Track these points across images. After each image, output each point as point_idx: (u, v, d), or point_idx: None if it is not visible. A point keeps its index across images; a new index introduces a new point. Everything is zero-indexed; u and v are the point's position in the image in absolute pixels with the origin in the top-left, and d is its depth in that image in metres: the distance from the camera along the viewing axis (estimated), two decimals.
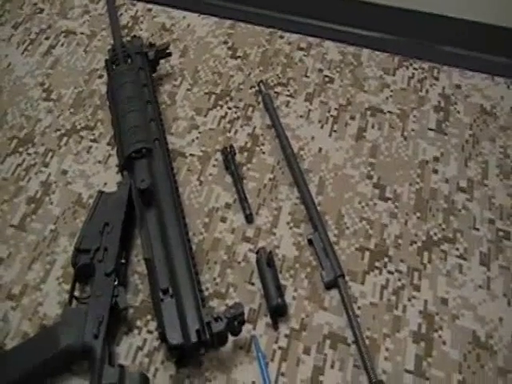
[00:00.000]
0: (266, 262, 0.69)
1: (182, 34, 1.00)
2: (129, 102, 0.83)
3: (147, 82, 0.87)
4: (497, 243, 0.73)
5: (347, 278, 0.70)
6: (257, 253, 0.71)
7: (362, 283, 0.70)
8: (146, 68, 0.89)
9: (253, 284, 0.70)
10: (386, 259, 0.72)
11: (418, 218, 0.76)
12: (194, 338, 0.61)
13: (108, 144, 0.86)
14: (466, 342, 0.66)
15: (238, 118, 0.88)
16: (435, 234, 0.74)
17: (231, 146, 0.82)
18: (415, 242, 0.73)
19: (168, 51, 0.95)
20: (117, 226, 0.71)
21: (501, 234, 0.74)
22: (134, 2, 1.07)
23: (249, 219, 0.76)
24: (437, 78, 0.90)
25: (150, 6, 1.06)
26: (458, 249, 0.73)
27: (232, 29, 1.00)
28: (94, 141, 0.87)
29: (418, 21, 1.00)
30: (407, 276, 0.71)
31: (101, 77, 0.95)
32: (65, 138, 0.87)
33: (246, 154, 0.83)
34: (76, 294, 0.69)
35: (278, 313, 0.68)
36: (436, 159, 0.81)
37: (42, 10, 1.07)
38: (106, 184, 0.81)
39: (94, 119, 0.89)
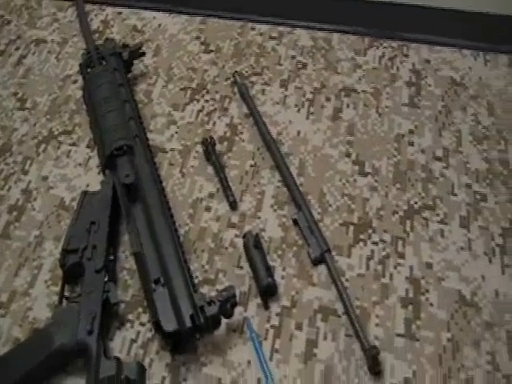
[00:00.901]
0: (254, 245, 0.72)
1: (154, 33, 1.04)
2: (106, 102, 0.86)
3: (123, 82, 0.90)
4: (475, 206, 0.78)
5: (333, 252, 0.74)
6: (244, 237, 0.75)
7: (349, 256, 0.74)
8: (120, 68, 0.93)
9: (241, 268, 0.74)
10: (370, 231, 0.76)
11: (398, 189, 0.80)
12: (188, 323, 0.64)
13: (87, 146, 0.89)
14: (453, 302, 0.70)
15: (216, 109, 0.92)
16: (415, 202, 0.78)
17: (211, 137, 0.86)
18: (397, 212, 0.78)
19: (141, 51, 0.99)
20: (103, 224, 0.75)
21: (478, 196, 0.79)
22: (103, 7, 1.11)
23: (233, 206, 0.80)
24: (406, 55, 0.95)
25: (119, 9, 1.10)
26: (438, 214, 0.77)
27: (203, 24, 1.05)
28: (72, 144, 0.90)
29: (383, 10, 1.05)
30: (391, 245, 0.75)
31: (75, 82, 0.98)
32: (43, 145, 0.90)
33: (225, 143, 0.87)
34: (66, 294, 0.72)
35: (268, 293, 0.71)
36: (411, 132, 0.86)
37: (9, 22, 1.10)
38: (88, 185, 0.84)
39: (72, 124, 0.92)
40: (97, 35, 1.06)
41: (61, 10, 1.12)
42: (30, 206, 0.84)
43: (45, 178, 0.86)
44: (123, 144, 0.81)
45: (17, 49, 1.05)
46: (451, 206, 0.78)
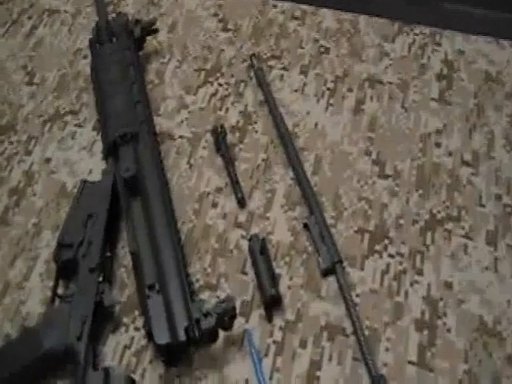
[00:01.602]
0: (259, 250, 0.64)
1: (170, 7, 0.95)
2: (113, 83, 0.79)
3: (133, 62, 0.82)
4: (504, 220, 0.68)
5: (345, 263, 0.66)
6: (249, 240, 0.67)
7: (362, 268, 0.66)
8: (131, 46, 0.84)
9: (246, 274, 0.67)
10: (387, 241, 0.68)
11: (420, 195, 0.71)
12: (182, 337, 0.58)
13: (93, 129, 0.82)
14: (473, 329, 0.61)
15: (229, 94, 0.83)
16: (438, 212, 0.69)
17: (222, 126, 0.78)
18: (417, 222, 0.69)
19: (155, 27, 0.90)
20: (101, 218, 0.68)
21: (508, 209, 0.69)
22: None
23: (241, 203, 0.72)
24: (439, 44, 0.85)
25: None
26: (462, 227, 0.68)
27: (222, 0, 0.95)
28: (78, 126, 0.83)
29: None
30: (409, 259, 0.66)
31: (86, 57, 0.90)
32: (48, 124, 0.83)
33: (237, 133, 0.79)
34: (60, 291, 0.65)
35: (272, 304, 0.63)
36: (439, 131, 0.76)
37: None
38: (91, 171, 0.77)
39: (79, 103, 0.85)
40: (111, 7, 0.97)
41: None
42: (30, 191, 0.76)
43: (48, 161, 0.79)
44: (127, 131, 0.73)
45: (29, 18, 0.97)
46: (478, 218, 0.68)
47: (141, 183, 0.69)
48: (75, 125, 0.83)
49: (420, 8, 0.90)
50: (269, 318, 0.63)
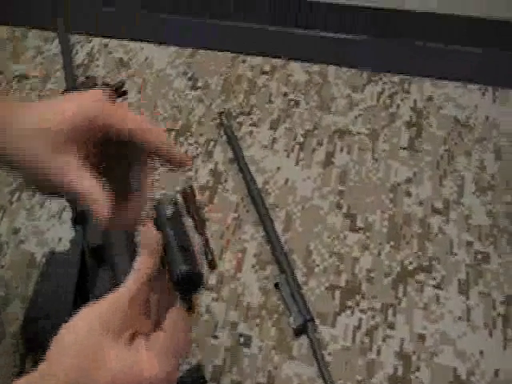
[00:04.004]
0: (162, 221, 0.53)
1: (140, 68, 1.02)
2: None
3: None
4: (476, 267, 0.73)
5: (317, 321, 0.71)
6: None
7: (333, 326, 0.70)
8: None
9: (216, 337, 0.71)
10: (358, 297, 0.72)
11: (392, 247, 0.76)
12: None
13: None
14: (447, 382, 0.65)
15: (199, 154, 0.89)
16: (410, 263, 0.74)
17: (191, 187, 0.83)
18: (389, 275, 0.74)
19: (124, 89, 0.96)
20: (69, 290, 0.72)
21: (479, 256, 0.74)
22: (89, 38, 1.10)
23: (211, 266, 0.77)
24: (408, 91, 0.91)
25: (106, 40, 1.09)
26: (434, 278, 0.73)
27: (192, 57, 1.02)
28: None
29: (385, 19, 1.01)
30: (381, 313, 0.71)
31: None
32: (17, 193, 0.88)
33: (207, 192, 0.84)
34: (28, 366, 0.69)
35: (189, 286, 0.50)
36: (409, 180, 0.81)
37: None
38: (60, 240, 0.82)
39: None
40: (81, 69, 1.04)
41: (46, 41, 1.11)
42: None
43: (16, 231, 0.84)
44: None
45: None
46: (449, 267, 0.73)
47: (108, 252, 0.73)
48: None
49: (389, 52, 0.96)
50: (188, 307, 0.49)
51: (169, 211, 0.58)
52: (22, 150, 0.45)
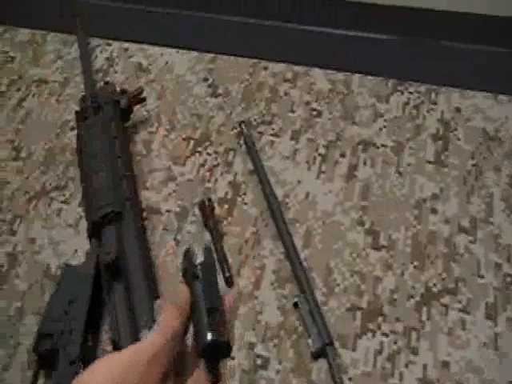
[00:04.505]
0: (192, 273, 0.52)
1: (160, 73, 1.00)
2: (97, 158, 0.82)
3: (118, 134, 0.86)
4: (504, 291, 0.70)
5: (337, 343, 0.68)
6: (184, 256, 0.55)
7: (354, 349, 0.68)
8: (117, 118, 0.88)
9: (233, 358, 0.69)
10: (380, 319, 0.69)
11: (416, 267, 0.73)
12: None
13: (79, 205, 0.86)
14: None
15: (218, 164, 0.87)
16: (434, 284, 0.71)
17: (209, 200, 0.81)
18: (412, 297, 0.71)
19: (142, 96, 0.94)
20: (83, 305, 0.70)
21: (508, 279, 0.71)
22: (109, 42, 1.08)
23: (228, 282, 0.75)
24: (435, 102, 0.88)
25: (126, 44, 1.07)
26: (460, 301, 0.70)
27: (213, 63, 1.00)
28: (64, 202, 0.86)
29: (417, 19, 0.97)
30: (404, 337, 0.68)
31: (73, 129, 0.95)
32: (34, 201, 0.87)
33: (226, 205, 0.82)
34: (41, 382, 0.68)
35: (215, 355, 0.48)
36: (434, 196, 0.78)
37: (13, 59, 1.08)
38: (76, 252, 0.81)
39: (65, 177, 0.89)
40: (100, 75, 1.02)
41: (66, 45, 1.10)
42: (13, 273, 0.80)
43: (32, 241, 0.83)
44: (110, 211, 0.76)
45: (18, 90, 1.03)
46: (476, 290, 0.70)
47: (123, 267, 0.72)
48: (61, 201, 0.87)
49: (416, 59, 0.93)
50: (213, 376, 0.47)
51: (199, 261, 0.56)
52: None
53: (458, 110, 0.86)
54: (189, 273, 0.61)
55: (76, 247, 0.81)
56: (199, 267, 0.63)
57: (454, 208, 0.77)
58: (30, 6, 1.15)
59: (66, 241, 0.83)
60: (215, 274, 0.63)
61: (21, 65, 1.07)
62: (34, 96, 1.02)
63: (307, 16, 1.03)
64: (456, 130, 0.84)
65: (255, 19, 1.05)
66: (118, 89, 0.93)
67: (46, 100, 1.01)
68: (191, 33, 1.06)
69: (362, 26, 0.99)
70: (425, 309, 0.70)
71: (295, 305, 0.71)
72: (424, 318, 0.69)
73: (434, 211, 0.77)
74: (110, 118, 0.88)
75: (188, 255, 0.56)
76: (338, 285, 0.73)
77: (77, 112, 0.92)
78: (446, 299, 0.70)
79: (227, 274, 0.75)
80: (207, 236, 0.79)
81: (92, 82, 0.98)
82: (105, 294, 0.71)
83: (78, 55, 1.04)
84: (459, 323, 0.68)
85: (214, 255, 0.77)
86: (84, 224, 0.82)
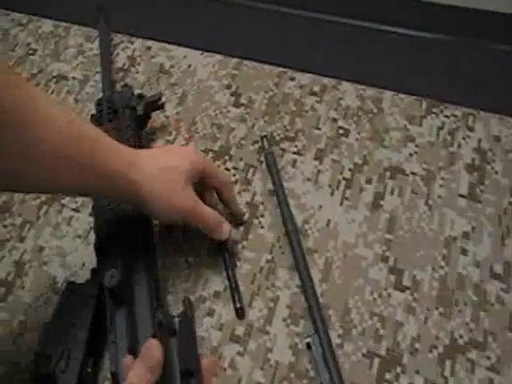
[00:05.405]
0: (168, 327, 0.57)
1: (182, 76, 0.94)
2: None
3: (134, 143, 0.80)
4: None
5: None
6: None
7: None
8: (132, 125, 0.82)
9: None
10: (399, 369, 0.63)
11: (441, 314, 0.66)
12: None
13: (90, 214, 0.80)
14: None
15: (237, 181, 0.80)
16: (461, 336, 0.64)
17: None
18: (435, 347, 0.64)
19: (160, 103, 0.88)
20: (83, 330, 0.65)
21: None
22: (132, 39, 1.01)
23: (239, 314, 0.68)
24: (471, 129, 0.80)
25: (149, 43, 1.00)
26: (489, 357, 0.62)
27: (237, 69, 0.93)
28: (75, 210, 0.81)
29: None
30: None
31: None
32: (44, 207, 0.81)
33: (242, 228, 0.75)
34: None
35: None
36: (466, 235, 0.71)
37: (34, 51, 1.02)
38: (83, 265, 0.75)
39: None
40: (121, 74, 0.96)
41: (88, 39, 1.04)
42: (19, 284, 0.75)
43: (41, 249, 0.77)
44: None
45: (37, 85, 0.97)
46: (507, 346, 0.63)
47: (127, 292, 0.66)
48: (72, 209, 0.81)
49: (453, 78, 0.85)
50: None
51: (177, 319, 0.50)
52: (158, 183, 0.62)
53: (497, 138, 0.78)
54: (164, 326, 0.56)
55: (84, 260, 0.76)
56: (177, 320, 0.58)
57: (487, 250, 0.69)
58: None
59: (73, 252, 0.77)
60: (194, 330, 0.57)
61: (42, 58, 1.02)
62: (52, 93, 0.96)
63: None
64: (494, 161, 0.76)
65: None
66: (136, 92, 0.86)
67: (64, 98, 0.94)
68: (217, 35, 0.99)
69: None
70: (448, 363, 0.63)
71: (308, 346, 0.65)
72: (447, 373, 0.62)
73: (464, 252, 0.69)
74: (126, 124, 0.82)
75: (166, 314, 0.51)
76: (356, 326, 0.66)
77: (92, 115, 0.86)
78: (472, 354, 0.63)
79: (238, 305, 0.69)
80: (221, 259, 0.73)
81: (110, 83, 0.92)
82: (108, 319, 0.66)
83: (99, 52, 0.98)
84: (486, 383, 0.61)
85: (226, 282, 0.71)
86: (93, 236, 0.77)
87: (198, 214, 0.65)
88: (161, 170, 0.63)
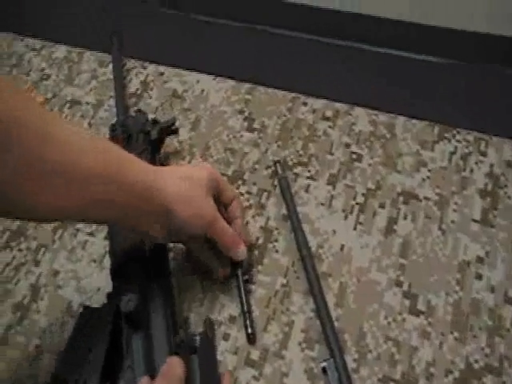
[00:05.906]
0: (189, 345, 0.60)
1: (195, 101, 0.96)
2: None
3: None
4: None
5: None
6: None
7: None
8: (147, 150, 0.84)
9: None
10: None
11: (456, 338, 0.67)
12: None
13: (105, 238, 0.82)
14: None
15: (251, 206, 0.81)
16: (476, 361, 0.65)
17: None
18: (451, 372, 0.65)
19: (174, 127, 0.90)
20: (99, 354, 0.66)
21: None
22: (145, 64, 1.04)
23: (251, 339, 0.70)
24: (484, 154, 0.81)
25: (161, 68, 1.02)
26: (504, 383, 0.64)
27: (250, 94, 0.95)
28: (90, 234, 0.82)
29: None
30: None
31: None
32: (59, 232, 0.83)
33: (256, 252, 0.77)
34: None
35: None
36: (480, 260, 0.72)
37: (48, 76, 1.05)
38: (98, 290, 0.76)
39: None
40: (134, 100, 0.98)
41: (102, 65, 1.06)
42: (34, 308, 0.76)
43: (56, 274, 0.79)
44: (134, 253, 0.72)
45: (51, 110, 0.99)
46: None
47: (144, 317, 0.67)
48: (87, 233, 0.83)
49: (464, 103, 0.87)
50: None
51: (198, 338, 0.52)
52: (183, 191, 0.64)
53: (509, 163, 0.80)
54: (185, 344, 0.57)
55: (99, 285, 0.77)
56: (198, 338, 0.59)
57: (501, 275, 0.70)
58: (69, 22, 1.11)
59: (88, 277, 0.78)
60: (214, 349, 0.58)
61: (56, 83, 1.04)
62: (66, 117, 0.98)
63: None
64: (506, 186, 0.78)
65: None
66: (149, 117, 0.88)
67: (78, 123, 0.96)
68: (230, 60, 1.01)
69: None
70: None
71: (323, 370, 0.66)
72: None
73: (478, 276, 0.71)
74: (142, 148, 0.84)
75: (187, 332, 0.53)
76: (371, 351, 0.67)
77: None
78: (488, 379, 0.64)
79: (249, 331, 0.70)
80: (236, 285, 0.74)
81: (124, 108, 0.94)
82: (124, 345, 0.67)
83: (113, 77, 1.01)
84: None
85: (239, 307, 0.72)
86: (108, 261, 0.78)
87: (218, 228, 0.66)
88: (183, 179, 0.64)
